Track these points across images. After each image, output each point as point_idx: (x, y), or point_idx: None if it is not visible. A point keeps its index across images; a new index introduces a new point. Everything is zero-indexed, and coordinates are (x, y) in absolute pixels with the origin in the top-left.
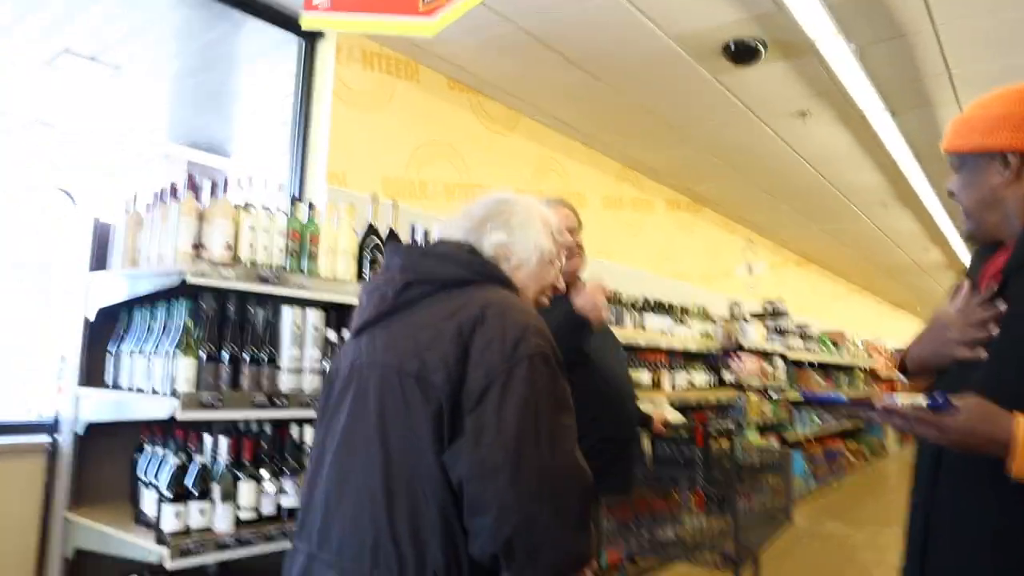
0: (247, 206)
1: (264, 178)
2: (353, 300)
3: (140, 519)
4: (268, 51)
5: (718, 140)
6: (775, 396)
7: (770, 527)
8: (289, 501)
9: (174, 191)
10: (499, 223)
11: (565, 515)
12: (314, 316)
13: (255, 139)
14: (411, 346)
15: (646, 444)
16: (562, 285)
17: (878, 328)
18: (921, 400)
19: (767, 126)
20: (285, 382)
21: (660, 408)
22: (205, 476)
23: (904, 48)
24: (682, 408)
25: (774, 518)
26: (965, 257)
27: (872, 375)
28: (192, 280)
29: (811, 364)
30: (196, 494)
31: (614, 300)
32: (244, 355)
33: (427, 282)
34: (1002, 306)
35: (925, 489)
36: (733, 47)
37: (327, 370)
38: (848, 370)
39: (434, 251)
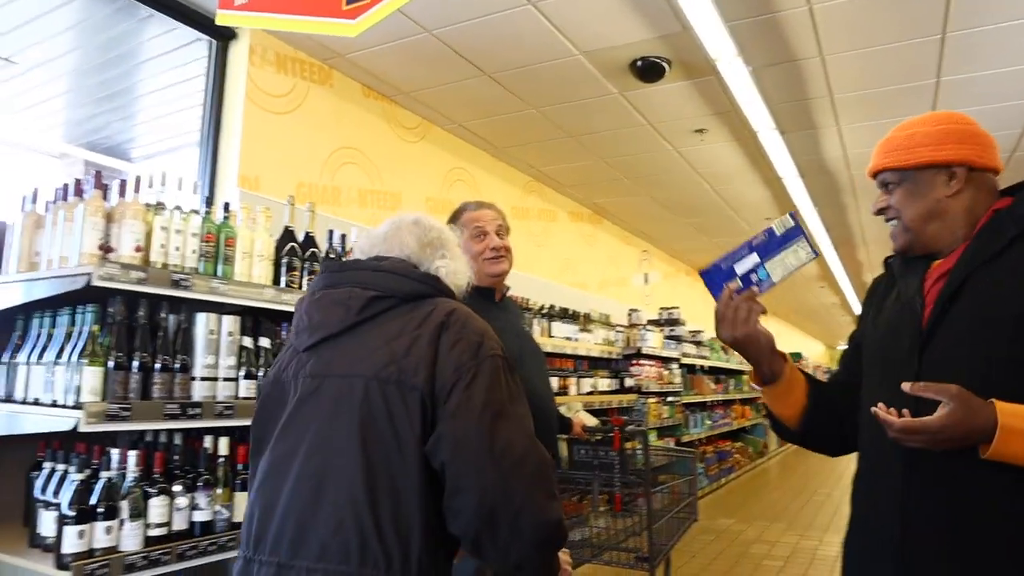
0: (159, 206)
1: (176, 179)
2: (270, 306)
3: (36, 542)
4: (175, 51)
5: (621, 154)
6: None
7: (680, 526)
8: (203, 516)
9: (79, 189)
10: (440, 249)
11: (539, 485)
12: (229, 322)
13: (159, 142)
14: (386, 355)
15: (563, 448)
16: None
17: None
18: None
19: (667, 142)
20: (199, 391)
21: (576, 413)
22: (112, 493)
23: (793, 72)
24: (589, 413)
25: (683, 517)
26: (835, 266)
27: None
28: (99, 283)
29: (703, 369)
30: (102, 512)
31: (524, 307)
32: (155, 363)
33: (390, 296)
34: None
35: (893, 477)
36: (640, 64)
37: (264, 381)
38: (737, 374)
39: (389, 269)
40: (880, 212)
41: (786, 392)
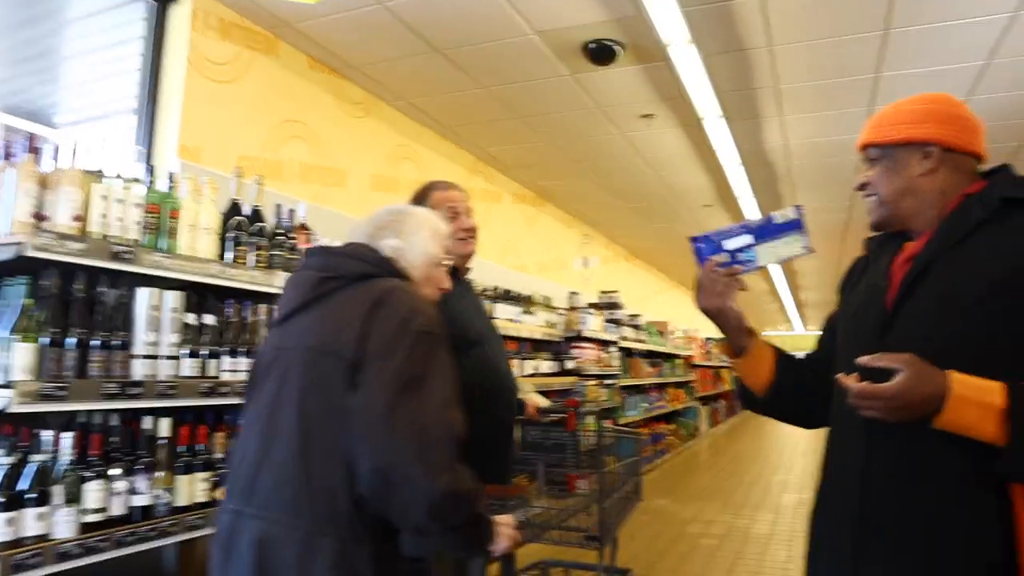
0: (98, 173)
1: (117, 146)
2: (216, 281)
3: None
4: (110, 11)
5: (567, 137)
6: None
7: (626, 506)
8: (143, 500)
9: (8, 153)
10: (393, 231)
11: (436, 455)
12: (173, 298)
13: (88, 108)
14: (330, 328)
15: (516, 430)
16: (448, 284)
17: (695, 320)
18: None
19: (614, 126)
20: (139, 369)
21: (529, 394)
22: (44, 477)
23: (742, 61)
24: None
25: (629, 498)
26: None
27: (689, 363)
28: (33, 253)
29: (639, 352)
30: (33, 498)
31: None
32: (93, 340)
33: (340, 277)
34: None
35: (856, 451)
36: (593, 47)
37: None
38: (672, 358)
39: (344, 252)
40: (861, 187)
41: (754, 365)
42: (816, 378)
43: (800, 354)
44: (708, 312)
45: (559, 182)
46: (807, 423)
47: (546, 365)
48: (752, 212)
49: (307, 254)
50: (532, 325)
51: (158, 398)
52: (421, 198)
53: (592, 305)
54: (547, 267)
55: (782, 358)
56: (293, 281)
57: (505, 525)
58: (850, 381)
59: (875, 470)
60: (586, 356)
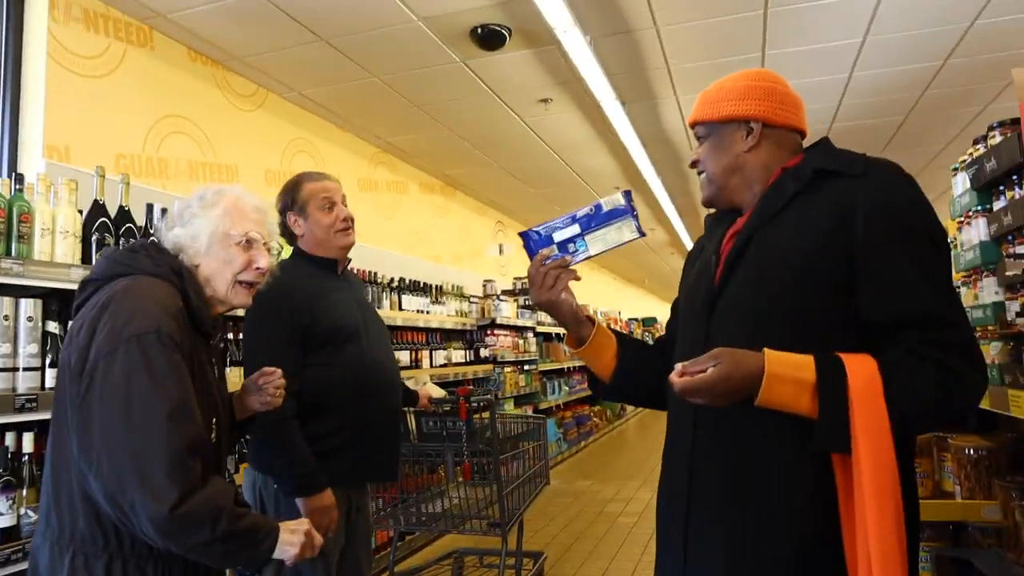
0: None
1: None
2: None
3: None
4: None
5: (468, 124)
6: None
7: (531, 490)
8: (6, 521)
9: None
10: (178, 218)
11: (149, 483)
12: (29, 306)
13: None
14: (69, 341)
15: (411, 421)
16: (265, 263)
17: (614, 301)
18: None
19: (513, 112)
20: None
21: (424, 385)
22: None
23: (631, 43)
24: (443, 385)
25: (534, 482)
26: (685, 237)
27: None
28: None
29: (559, 336)
30: None
31: (371, 281)
32: None
33: (92, 281)
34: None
35: (685, 431)
36: (480, 31)
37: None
38: None
39: (112, 252)
40: (693, 165)
41: (596, 353)
42: (666, 360)
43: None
44: (541, 306)
45: (466, 170)
46: (660, 405)
47: (459, 354)
48: (659, 192)
49: None
50: (442, 315)
51: (18, 412)
52: (291, 190)
53: (506, 292)
54: (461, 256)
55: (624, 344)
56: None
57: (294, 533)
58: (675, 377)
59: (699, 450)
60: (501, 343)
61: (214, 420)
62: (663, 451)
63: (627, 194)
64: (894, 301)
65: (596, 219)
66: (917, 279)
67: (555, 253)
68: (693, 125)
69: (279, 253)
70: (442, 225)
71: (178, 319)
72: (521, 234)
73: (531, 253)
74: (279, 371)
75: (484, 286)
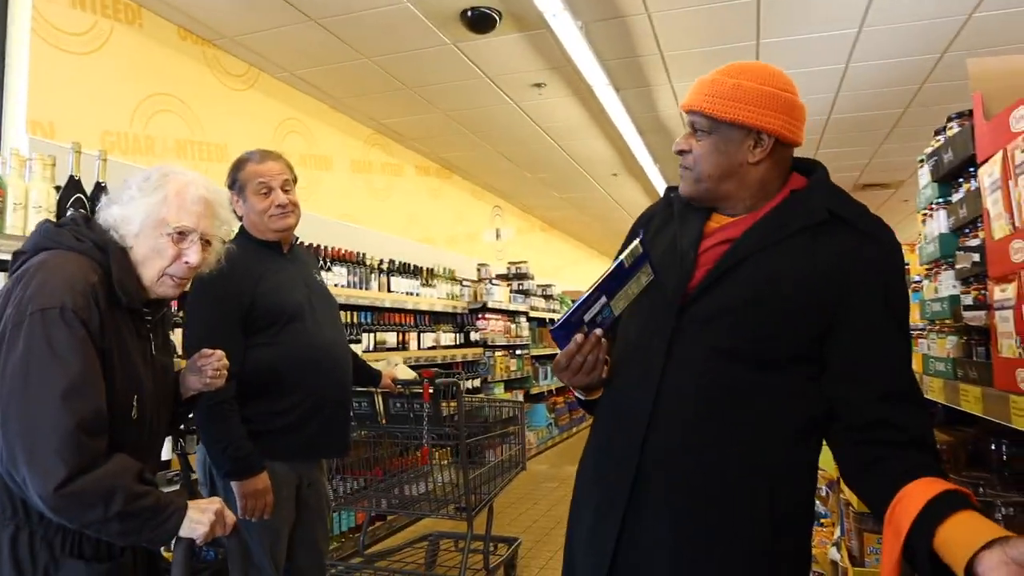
0: None
1: None
2: None
3: None
4: None
5: (462, 108)
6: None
7: (505, 476)
8: None
9: None
10: (117, 197)
11: (37, 460)
12: (1, 281)
13: None
14: None
15: (379, 402)
16: (195, 258)
17: (580, 275)
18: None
19: (507, 96)
20: None
21: (393, 367)
22: None
23: (623, 28)
24: (431, 367)
25: (509, 467)
26: None
27: None
28: None
29: (552, 322)
30: None
31: (359, 262)
32: None
33: (21, 253)
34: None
35: (641, 409)
36: (469, 14)
37: None
38: None
39: (43, 225)
40: (679, 152)
41: (597, 389)
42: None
43: None
44: (584, 388)
45: (461, 153)
46: None
47: (448, 337)
48: (657, 180)
49: None
50: (432, 298)
51: None
52: (235, 170)
53: (500, 276)
54: (456, 239)
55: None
56: None
57: (204, 512)
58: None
59: (656, 428)
60: (492, 327)
61: (136, 397)
62: (593, 426)
63: (642, 241)
64: (882, 370)
65: (619, 279)
66: (904, 353)
67: (586, 331)
68: (692, 111)
69: (225, 243)
70: (438, 208)
71: (88, 296)
72: (553, 334)
73: (562, 345)
74: (219, 352)
75: (478, 270)
